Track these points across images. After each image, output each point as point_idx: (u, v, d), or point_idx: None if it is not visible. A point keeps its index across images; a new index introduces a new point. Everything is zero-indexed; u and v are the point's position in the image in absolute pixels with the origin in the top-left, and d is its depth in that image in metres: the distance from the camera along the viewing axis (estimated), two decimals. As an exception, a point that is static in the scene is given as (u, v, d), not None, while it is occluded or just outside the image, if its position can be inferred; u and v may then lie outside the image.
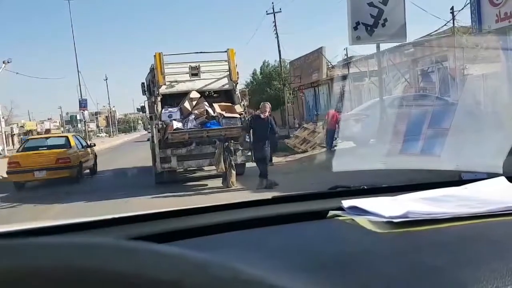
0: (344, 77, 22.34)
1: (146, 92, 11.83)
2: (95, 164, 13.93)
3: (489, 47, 15.72)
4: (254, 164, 10.20)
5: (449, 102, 14.08)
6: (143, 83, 11.99)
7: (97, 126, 77.62)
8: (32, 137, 20.21)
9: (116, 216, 1.02)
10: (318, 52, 25.47)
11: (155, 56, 10.15)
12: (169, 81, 10.23)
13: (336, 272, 0.70)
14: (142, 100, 12.76)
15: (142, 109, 13.38)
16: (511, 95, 13.36)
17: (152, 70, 10.68)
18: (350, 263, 0.73)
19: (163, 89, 10.18)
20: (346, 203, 1.03)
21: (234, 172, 9.39)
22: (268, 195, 1.28)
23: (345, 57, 24.36)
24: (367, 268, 0.72)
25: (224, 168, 9.40)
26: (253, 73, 36.29)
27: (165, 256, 0.45)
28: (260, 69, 35.56)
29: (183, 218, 1.05)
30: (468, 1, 14.08)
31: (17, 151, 13.56)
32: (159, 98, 10.13)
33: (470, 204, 0.95)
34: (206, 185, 9.92)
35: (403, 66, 18.76)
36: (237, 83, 10.69)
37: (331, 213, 1.02)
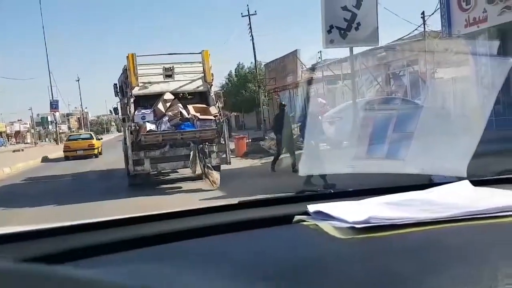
0: (318, 80, 22.56)
1: (118, 94, 11.65)
2: (101, 149, 23.23)
3: (458, 51, 16.12)
4: (230, 166, 10.18)
5: (419, 106, 14.37)
6: (115, 84, 11.80)
7: (69, 128, 76.02)
8: (71, 134, 30.54)
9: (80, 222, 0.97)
10: (293, 55, 25.64)
11: (128, 57, 10.00)
12: (142, 82, 10.10)
13: (295, 281, 0.68)
14: (115, 102, 12.57)
15: (115, 110, 13.16)
16: (477, 99, 13.72)
17: (125, 71, 10.52)
18: (310, 271, 0.72)
19: (136, 91, 10.04)
20: (312, 207, 1.02)
21: (213, 172, 9.32)
22: (234, 200, 1.25)
23: (320, 60, 24.60)
24: (327, 275, 0.71)
25: (199, 170, 9.34)
26: (228, 75, 36.29)
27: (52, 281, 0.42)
28: (235, 71, 35.59)
29: (142, 225, 1.02)
30: (439, 6, 14.44)
31: (66, 140, 24.70)
32: (132, 100, 9.99)
33: (433, 208, 0.95)
34: (181, 187, 9.83)
35: (376, 69, 19.06)
36: (212, 84, 10.64)
37: (296, 218, 1.01)
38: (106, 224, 1.01)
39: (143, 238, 0.95)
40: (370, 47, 15.26)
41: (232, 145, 17.09)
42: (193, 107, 10.05)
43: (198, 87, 10.48)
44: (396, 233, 0.84)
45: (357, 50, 16.01)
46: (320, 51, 24.50)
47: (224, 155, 9.81)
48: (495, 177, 1.25)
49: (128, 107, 10.05)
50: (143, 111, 9.89)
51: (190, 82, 10.45)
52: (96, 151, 21.85)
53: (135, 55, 10.02)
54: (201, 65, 10.35)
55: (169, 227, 1.01)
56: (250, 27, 29.83)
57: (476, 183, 1.16)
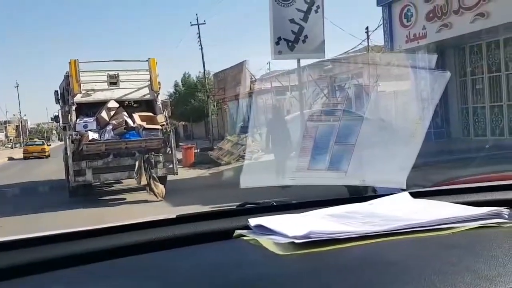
0: (266, 91, 22.80)
1: (59, 101, 11.18)
2: (50, 152, 30.52)
3: (399, 65, 16.85)
4: (176, 177, 9.97)
5: (362, 117, 14.81)
6: (56, 91, 11.32)
7: (6, 136, 72.15)
8: (28, 141, 39.67)
9: None
10: (242, 65, 25.77)
11: (70, 63, 9.63)
12: (85, 90, 9.75)
13: None
14: (57, 109, 12.05)
15: (56, 118, 12.62)
16: (416, 112, 14.38)
17: (66, 77, 10.11)
18: None
19: (78, 98, 9.67)
20: (253, 221, 0.98)
21: (158, 183, 9.11)
22: (178, 211, 1.19)
23: (268, 71, 24.90)
24: None
25: (145, 181, 9.09)
26: (175, 84, 35.91)
27: None
28: (181, 81, 35.29)
29: (72, 242, 0.94)
30: (381, 22, 15.04)
31: (25, 146, 34.08)
32: (73, 107, 9.60)
33: (373, 221, 0.94)
34: (125, 198, 9.51)
35: (322, 81, 19.53)
36: (159, 93, 10.44)
37: (236, 232, 0.97)
38: (34, 241, 0.94)
39: (72, 257, 0.89)
40: (317, 60, 15.62)
41: (179, 155, 16.89)
42: (139, 115, 9.81)
43: (144, 95, 10.25)
44: (335, 248, 0.82)
45: (304, 62, 16.38)
46: (269, 62, 24.84)
47: (171, 165, 9.62)
48: (432, 188, 1.26)
49: (69, 115, 9.65)
50: (85, 119, 9.53)
51: (136, 90, 10.21)
52: (46, 153, 30.33)
53: (78, 61, 9.67)
54: (147, 73, 10.14)
55: (101, 244, 0.95)
56: (199, 36, 29.74)
57: (415, 194, 1.16)
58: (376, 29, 16.76)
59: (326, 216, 1.01)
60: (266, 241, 0.88)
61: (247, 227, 0.98)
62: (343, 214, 1.02)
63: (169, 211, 7.09)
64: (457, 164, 7.54)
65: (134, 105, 10.33)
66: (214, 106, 30.26)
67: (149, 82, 10.13)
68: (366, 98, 18.45)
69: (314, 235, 0.84)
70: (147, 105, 10.34)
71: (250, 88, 25.45)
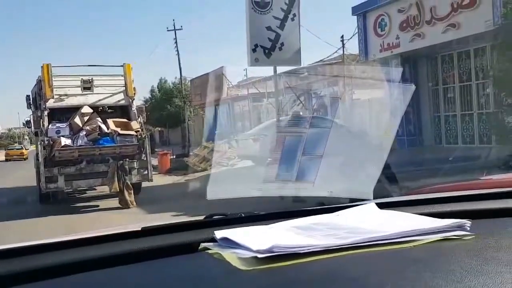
0: (243, 97, 22.83)
1: (31, 106, 10.93)
2: (27, 155, 31.11)
3: (374, 74, 17.14)
4: (151, 183, 9.85)
5: (332, 126, 14.98)
6: (28, 96, 11.07)
7: (-25, 141, 70.00)
8: (10, 146, 43.46)
9: None
10: (219, 72, 25.75)
11: (42, 67, 9.45)
12: (57, 95, 9.57)
13: None
14: (29, 114, 11.78)
15: (28, 123, 12.33)
16: (384, 121, 14.62)
17: (39, 82, 9.91)
18: None
19: (50, 103, 9.48)
20: (219, 233, 0.97)
21: (131, 192, 8.99)
22: (151, 219, 1.16)
23: (245, 77, 24.95)
24: None
25: (117, 188, 8.95)
26: (151, 90, 35.61)
27: None
28: (157, 86, 35.02)
29: (33, 256, 0.91)
30: (356, 31, 15.28)
31: (6, 149, 40.13)
32: (45, 113, 9.41)
33: (338, 233, 0.94)
34: (98, 206, 9.34)
35: (299, 89, 19.67)
36: (134, 98, 10.33)
37: (201, 245, 0.96)
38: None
39: (27, 272, 0.86)
40: (293, 67, 15.74)
41: (155, 162, 16.72)
42: (113, 121, 9.68)
43: (119, 101, 10.13)
44: (297, 263, 0.81)
45: (281, 69, 16.48)
46: (246, 69, 24.90)
47: (146, 172, 9.51)
48: (399, 198, 1.27)
49: (41, 120, 9.45)
50: (58, 124, 9.35)
51: (110, 96, 10.07)
52: (25, 156, 34.00)
53: (51, 66, 9.50)
54: (122, 78, 10.02)
55: (63, 259, 0.92)
56: (176, 42, 29.60)
57: (381, 205, 1.17)
58: (351, 37, 17.03)
59: (292, 228, 1.00)
60: (229, 255, 0.87)
61: (213, 240, 0.97)
62: (309, 225, 1.02)
63: (142, 219, 7.00)
64: (427, 173, 7.67)
65: (109, 110, 10.19)
66: (190, 112, 30.11)
67: (124, 88, 10.02)
68: (341, 106, 18.69)
69: (277, 249, 0.83)
70: (121, 110, 10.21)
71: (227, 94, 25.45)
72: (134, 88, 10.20)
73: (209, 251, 0.93)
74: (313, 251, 0.85)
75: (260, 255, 0.83)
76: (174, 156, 18.14)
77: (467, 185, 3.43)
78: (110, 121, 9.64)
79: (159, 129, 38.65)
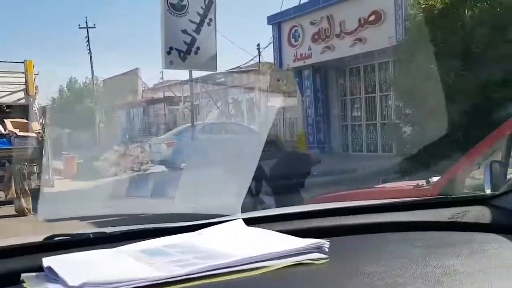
0: (159, 100, 22.33)
1: None
2: None
3: (288, 82, 17.66)
4: (54, 189, 9.24)
5: (252, 130, 15.27)
6: None
7: None
8: None
9: None
10: (134, 73, 24.99)
11: None
12: None
13: None
14: None
15: None
16: (299, 128, 15.17)
17: None
18: None
19: None
20: (46, 261, 0.84)
21: (29, 198, 8.33)
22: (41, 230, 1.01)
23: (161, 80, 24.45)
24: None
25: (14, 194, 8.27)
26: (59, 90, 33.57)
27: None
28: (67, 86, 33.13)
29: None
30: (272, 40, 15.64)
31: None
32: None
33: (185, 259, 0.86)
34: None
35: (216, 94, 19.69)
36: (36, 98, 9.64)
37: (23, 276, 0.82)
38: None
39: None
40: (209, 72, 15.70)
41: (61, 166, 15.71)
42: (11, 121, 8.96)
43: (18, 99, 9.40)
44: None
45: (198, 73, 16.37)
46: (162, 72, 24.40)
47: (47, 177, 8.90)
48: (267, 213, 1.22)
49: None
50: None
51: (8, 94, 9.35)
52: None
53: None
54: (23, 75, 9.31)
55: None
56: (88, 40, 28.22)
57: (249, 220, 1.11)
58: (267, 46, 17.39)
59: (137, 253, 0.91)
60: None
61: (40, 269, 0.84)
62: (159, 249, 0.93)
63: (39, 228, 6.50)
64: (330, 180, 7.98)
65: (6, 110, 9.40)
66: (103, 114, 28.82)
67: (24, 86, 9.32)
68: (257, 112, 19.00)
69: (89, 286, 0.74)
70: (21, 110, 9.47)
71: (142, 97, 24.76)
72: (36, 86, 9.53)
73: (24, 285, 0.80)
74: (141, 286, 0.76)
75: None
76: (82, 160, 17.19)
77: (360, 193, 3.61)
78: (7, 121, 8.93)
79: (68, 131, 36.51)
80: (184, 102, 21.02)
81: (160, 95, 23.26)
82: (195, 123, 14.28)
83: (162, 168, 14.31)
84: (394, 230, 1.16)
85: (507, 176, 2.13)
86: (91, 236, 1.03)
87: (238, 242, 0.97)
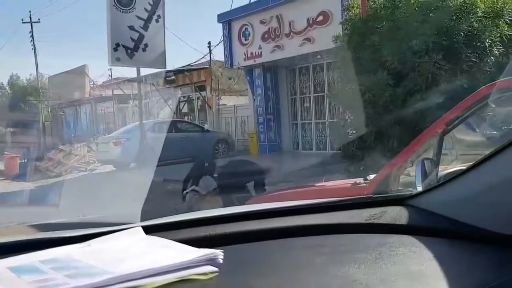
0: (107, 98, 21.71)
1: None
2: None
3: (239, 81, 17.65)
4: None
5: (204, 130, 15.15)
6: None
7: None
8: None
9: None
10: (81, 70, 24.15)
11: None
12: None
13: None
14: None
15: None
16: (250, 126, 15.23)
17: None
18: None
19: None
20: None
21: None
22: None
23: (110, 77, 23.79)
24: None
25: None
26: (0, 87, 31.95)
27: None
28: (8, 83, 31.60)
29: None
30: (222, 39, 15.55)
31: None
32: None
33: (53, 279, 0.79)
34: None
35: (166, 92, 19.37)
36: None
37: None
38: None
39: None
40: (158, 70, 15.43)
41: (1, 166, 14.98)
42: None
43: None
44: None
45: (147, 71, 16.02)
46: (110, 69, 23.74)
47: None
48: (170, 220, 1.13)
49: None
50: None
51: None
52: None
53: None
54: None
55: None
56: (32, 36, 27.00)
57: (149, 228, 1.05)
58: (217, 45, 17.27)
59: (4, 270, 0.83)
60: None
61: None
62: (33, 265, 0.85)
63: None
64: (278, 178, 8.07)
65: None
66: (48, 112, 27.70)
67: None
68: (208, 111, 18.87)
69: None
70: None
71: (90, 95, 24.00)
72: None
73: None
74: None
75: None
76: (25, 160, 16.42)
77: (297, 193, 3.65)
78: None
79: (11, 129, 34.81)
80: (134, 100, 20.56)
81: (109, 92, 22.60)
82: (143, 121, 14.00)
83: (109, 167, 13.94)
84: (306, 234, 1.11)
85: (438, 174, 2.18)
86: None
87: (128, 254, 0.90)
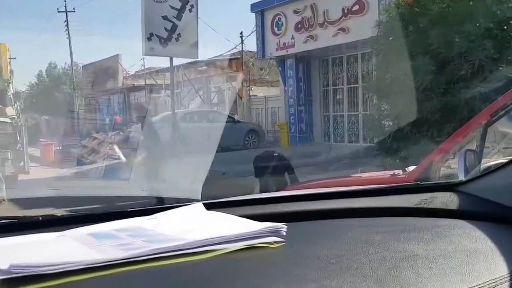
0: (140, 88, 22.00)
1: None
2: None
3: (271, 72, 17.55)
4: (29, 176, 9.01)
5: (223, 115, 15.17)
6: None
7: None
8: None
9: None
10: (114, 59, 24.52)
11: None
12: None
13: None
14: None
15: None
16: (281, 118, 15.13)
17: None
18: None
19: None
20: None
21: (3, 186, 8.11)
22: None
23: (142, 67, 24.07)
24: None
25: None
26: (38, 75, 32.86)
27: None
28: (46, 72, 32.47)
29: None
30: (255, 29, 15.47)
31: None
32: None
33: (133, 243, 0.82)
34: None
35: (198, 82, 19.47)
36: (11, 82, 9.37)
37: None
38: None
39: None
40: (192, 60, 15.49)
41: (38, 152, 15.39)
42: (-17, 106, 8.70)
43: (-9, 84, 9.11)
44: (50, 286, 0.67)
45: (180, 61, 16.12)
46: (143, 59, 24.02)
47: (22, 163, 8.69)
48: (229, 199, 1.20)
49: None
50: None
51: (-19, 78, 9.03)
52: None
53: None
54: (-4, 59, 9.02)
55: None
56: (67, 25, 27.58)
57: (209, 205, 1.07)
58: (249, 35, 17.22)
59: (85, 236, 0.86)
60: None
61: None
62: (109, 232, 0.88)
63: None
64: (312, 169, 7.99)
65: (-21, 94, 9.13)
66: (82, 100, 28.33)
67: (-2, 70, 9.04)
68: (239, 101, 18.87)
69: (16, 269, 0.67)
70: (-6, 95, 9.21)
71: (123, 84, 24.36)
72: (11, 70, 9.26)
73: None
74: (75, 270, 0.70)
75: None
76: (61, 147, 16.85)
77: (337, 182, 3.57)
78: (-21, 107, 8.65)
79: (46, 117, 35.86)
80: (166, 90, 20.75)
81: (141, 82, 22.89)
82: (175, 111, 14.11)
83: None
84: (358, 216, 1.15)
85: (481, 166, 2.13)
86: (40, 218, 0.97)
87: (193, 226, 0.93)
